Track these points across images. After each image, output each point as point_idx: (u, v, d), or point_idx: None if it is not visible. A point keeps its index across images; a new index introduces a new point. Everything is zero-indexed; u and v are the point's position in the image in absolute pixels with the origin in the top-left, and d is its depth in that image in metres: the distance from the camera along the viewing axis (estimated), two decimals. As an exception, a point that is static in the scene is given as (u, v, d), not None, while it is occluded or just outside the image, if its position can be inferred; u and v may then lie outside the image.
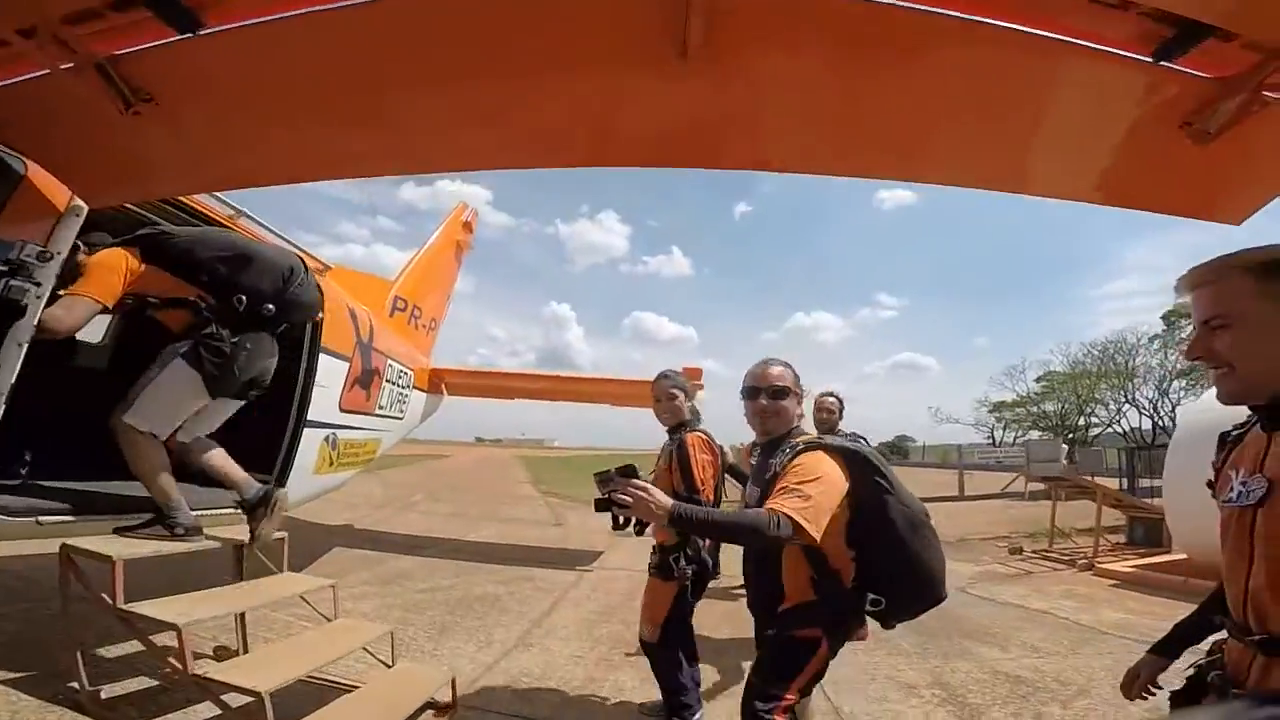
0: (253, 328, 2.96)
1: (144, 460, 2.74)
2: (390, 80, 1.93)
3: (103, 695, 2.49)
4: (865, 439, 4.31)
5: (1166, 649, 1.59)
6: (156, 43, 1.75)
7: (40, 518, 2.56)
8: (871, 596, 1.97)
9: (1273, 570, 1.16)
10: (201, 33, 1.70)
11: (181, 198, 3.29)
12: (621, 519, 2.04)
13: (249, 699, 2.04)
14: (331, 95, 2.01)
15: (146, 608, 2.33)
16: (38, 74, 1.94)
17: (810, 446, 1.98)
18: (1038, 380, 40.14)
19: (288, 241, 4.26)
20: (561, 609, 5.26)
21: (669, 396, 3.12)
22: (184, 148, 2.30)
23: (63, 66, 1.85)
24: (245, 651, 3.05)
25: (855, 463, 1.95)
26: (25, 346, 2.39)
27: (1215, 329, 1.21)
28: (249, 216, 3.85)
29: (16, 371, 2.38)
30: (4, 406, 2.36)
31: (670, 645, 2.97)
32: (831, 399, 4.57)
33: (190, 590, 2.71)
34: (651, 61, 1.74)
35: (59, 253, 2.51)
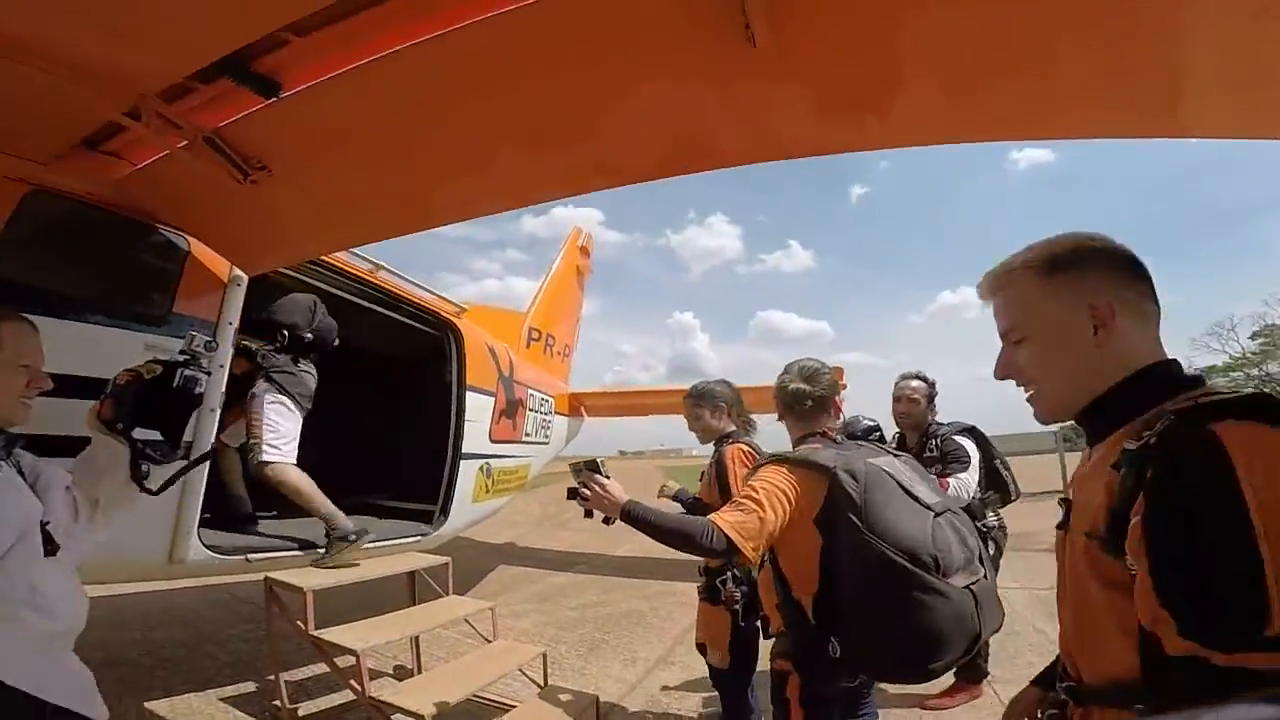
0: (299, 354, 3.68)
1: (297, 485, 3.25)
2: (471, 113, 1.86)
3: (300, 713, 2.89)
4: (974, 433, 3.49)
5: (1046, 680, 1.17)
6: (248, 111, 1.81)
7: (249, 555, 3.00)
8: (832, 641, 1.68)
9: (1074, 606, 0.96)
10: (284, 95, 1.70)
11: (323, 257, 3.65)
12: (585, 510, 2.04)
13: (416, 720, 2.27)
14: (420, 138, 1.98)
15: (332, 634, 2.66)
16: (163, 154, 2.11)
17: (775, 459, 1.85)
18: (1253, 337, 33.17)
19: (427, 289, 4.71)
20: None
21: (694, 416, 2.99)
22: (306, 209, 2.44)
23: (179, 145, 1.97)
24: (419, 671, 3.38)
25: (833, 483, 1.70)
26: (217, 411, 2.81)
27: (1016, 343, 1.03)
28: (387, 269, 4.24)
29: (213, 434, 2.81)
30: (207, 464, 2.81)
31: (737, 668, 2.81)
32: (914, 383, 3.57)
33: (371, 615, 3.05)
34: (723, 57, 1.60)
35: (230, 322, 2.88)
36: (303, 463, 4.47)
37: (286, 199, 2.35)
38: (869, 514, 1.63)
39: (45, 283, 2.35)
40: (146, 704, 3.08)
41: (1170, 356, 0.95)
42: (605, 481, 1.89)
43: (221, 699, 3.19)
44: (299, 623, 2.75)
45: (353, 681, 2.48)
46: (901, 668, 1.66)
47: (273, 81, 1.67)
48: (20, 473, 1.57)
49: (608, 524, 2.18)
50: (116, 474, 1.99)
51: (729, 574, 2.73)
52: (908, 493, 1.72)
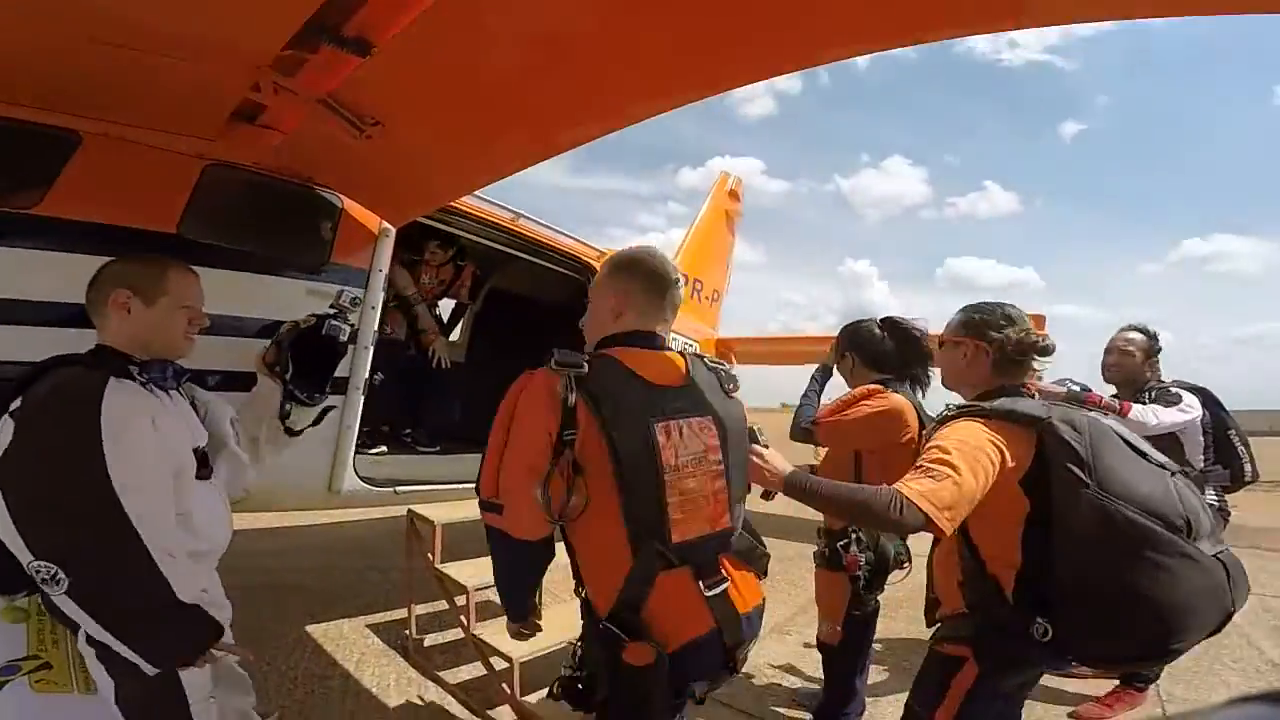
0: None
1: None
2: (572, 26, 1.68)
3: (424, 644, 3.19)
4: (1203, 393, 3.02)
5: None
6: (350, 71, 1.86)
7: (397, 488, 3.32)
8: (1039, 622, 1.47)
9: None
10: (375, 51, 1.74)
11: (462, 205, 3.81)
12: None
13: (505, 663, 2.41)
14: (518, 65, 1.88)
15: (450, 569, 2.89)
16: (299, 121, 2.28)
17: (966, 411, 1.59)
18: None
19: (566, 234, 4.80)
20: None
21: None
22: (428, 156, 2.56)
23: (303, 111, 2.15)
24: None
25: (1047, 436, 1.48)
26: (370, 349, 3.12)
27: None
28: (528, 217, 4.37)
29: (366, 370, 3.11)
30: (362, 399, 3.11)
31: (850, 648, 2.58)
32: (1131, 334, 3.13)
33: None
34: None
35: (381, 269, 3.16)
36: (454, 407, 4.84)
37: (408, 149, 2.47)
38: (1099, 471, 1.44)
39: (226, 241, 2.69)
40: (307, 627, 3.55)
41: None
42: (765, 451, 1.69)
43: (369, 625, 3.60)
44: (428, 554, 3.00)
45: (461, 617, 2.68)
46: (1141, 649, 1.46)
47: (363, 40, 1.72)
48: (192, 405, 1.83)
49: (767, 499, 2.04)
50: (272, 413, 2.28)
51: (852, 537, 2.49)
52: (1134, 449, 1.53)
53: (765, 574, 1.72)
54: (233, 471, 1.93)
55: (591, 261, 4.93)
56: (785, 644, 3.96)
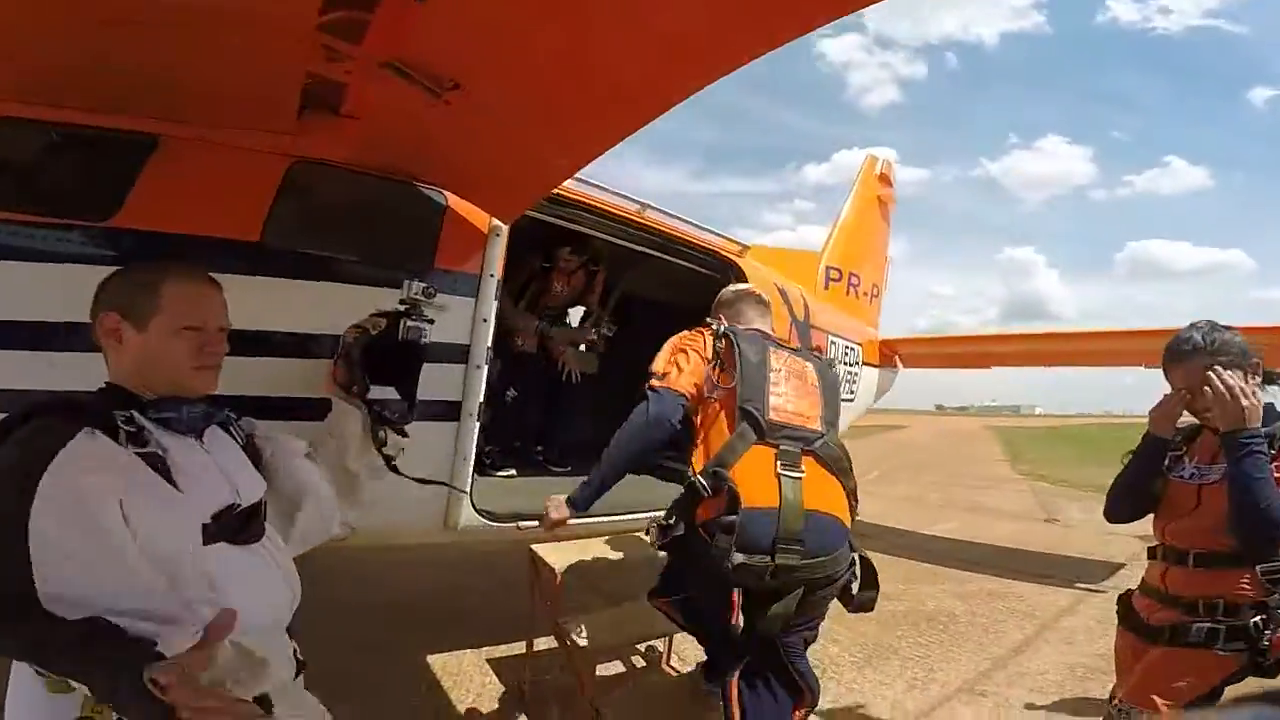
0: None
1: None
2: None
3: (543, 688, 2.86)
4: None
5: None
6: (409, 24, 1.60)
7: (520, 523, 2.93)
8: None
9: None
10: None
11: (582, 197, 3.47)
12: None
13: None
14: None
15: (576, 627, 2.57)
16: (379, 100, 2.04)
17: None
18: None
19: (704, 228, 4.38)
20: (1043, 646, 3.98)
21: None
22: (519, 124, 2.17)
23: (366, 79, 1.87)
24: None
25: None
26: (484, 368, 2.81)
27: None
28: (656, 208, 3.98)
29: (481, 392, 2.81)
30: (477, 425, 2.81)
31: None
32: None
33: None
34: None
35: (492, 274, 2.85)
36: (586, 423, 4.51)
37: (497, 117, 2.10)
38: None
39: (316, 248, 2.48)
40: (427, 656, 3.32)
41: None
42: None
43: (489, 659, 3.34)
44: (548, 602, 2.74)
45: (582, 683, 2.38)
46: None
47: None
48: (248, 446, 1.50)
49: None
50: (359, 443, 1.91)
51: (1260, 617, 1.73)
52: None
53: (854, 496, 2.15)
54: (317, 517, 1.63)
55: (732, 257, 4.43)
56: (979, 708, 3.17)
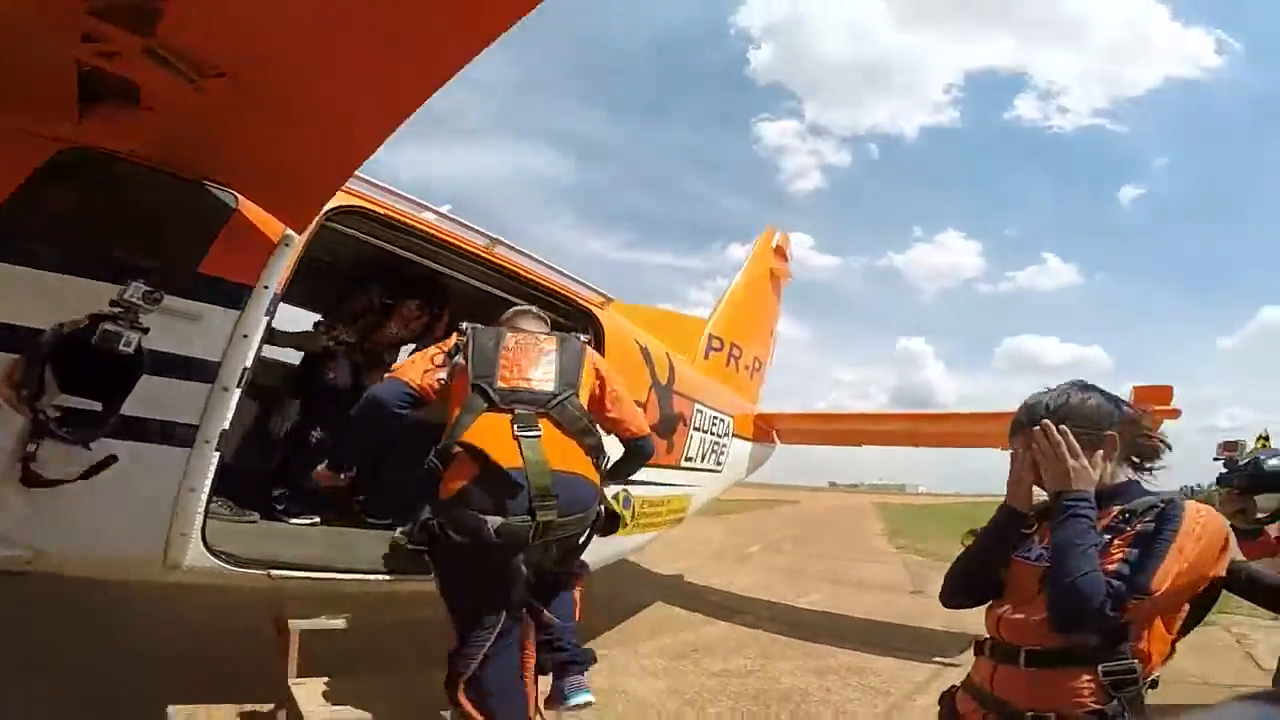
0: None
1: None
2: None
3: None
4: None
5: None
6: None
7: (272, 571, 2.51)
8: None
9: None
10: None
11: (422, 224, 3.25)
12: None
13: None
14: None
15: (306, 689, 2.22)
16: (167, 95, 1.89)
17: None
18: None
19: (561, 271, 4.10)
20: (900, 728, 3.76)
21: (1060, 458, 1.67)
22: (290, 114, 2.01)
23: (129, 66, 1.75)
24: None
25: None
26: (234, 391, 2.40)
27: None
28: (506, 244, 3.68)
29: (229, 417, 2.40)
30: (216, 455, 2.37)
31: None
32: None
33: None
34: None
35: (267, 286, 2.51)
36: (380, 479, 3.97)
37: (268, 109, 1.99)
38: None
39: (52, 238, 2.18)
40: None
41: None
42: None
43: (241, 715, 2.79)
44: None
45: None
46: None
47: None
48: None
49: None
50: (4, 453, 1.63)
51: None
52: None
53: (596, 452, 2.35)
54: None
55: (593, 309, 4.19)
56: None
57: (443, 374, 2.37)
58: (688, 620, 6.10)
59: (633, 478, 4.11)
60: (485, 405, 2.19)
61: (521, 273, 3.81)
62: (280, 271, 2.55)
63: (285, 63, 1.77)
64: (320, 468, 2.66)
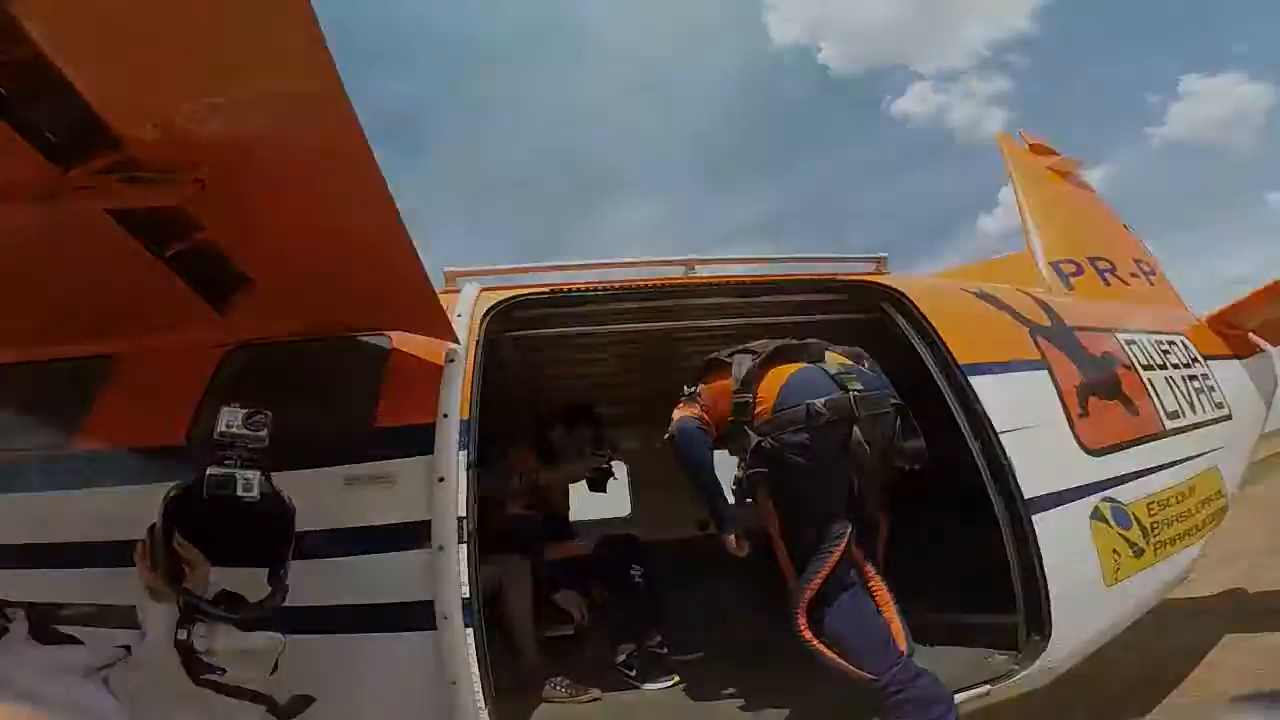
0: None
1: None
2: None
3: None
4: None
5: None
6: None
7: None
8: None
9: None
10: None
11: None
12: None
13: None
14: None
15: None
16: None
17: None
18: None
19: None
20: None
21: None
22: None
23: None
24: None
25: None
26: (453, 549, 2.01)
27: None
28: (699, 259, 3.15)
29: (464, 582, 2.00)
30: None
31: None
32: None
33: None
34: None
35: (447, 415, 2.19)
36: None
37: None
38: None
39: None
40: None
41: None
42: None
43: None
44: None
45: None
46: None
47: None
48: None
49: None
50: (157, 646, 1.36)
51: None
52: None
53: None
54: None
55: (869, 280, 3.21)
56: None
57: None
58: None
59: (1105, 475, 2.76)
60: None
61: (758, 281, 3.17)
62: (456, 393, 2.21)
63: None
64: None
